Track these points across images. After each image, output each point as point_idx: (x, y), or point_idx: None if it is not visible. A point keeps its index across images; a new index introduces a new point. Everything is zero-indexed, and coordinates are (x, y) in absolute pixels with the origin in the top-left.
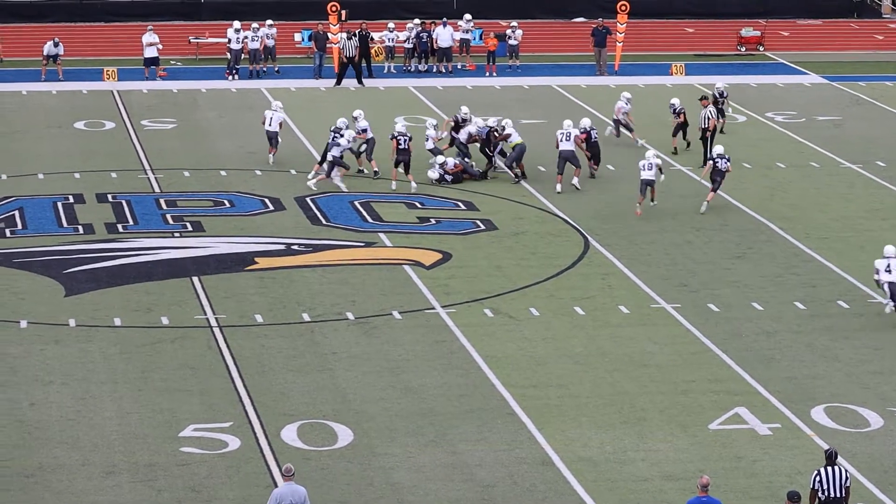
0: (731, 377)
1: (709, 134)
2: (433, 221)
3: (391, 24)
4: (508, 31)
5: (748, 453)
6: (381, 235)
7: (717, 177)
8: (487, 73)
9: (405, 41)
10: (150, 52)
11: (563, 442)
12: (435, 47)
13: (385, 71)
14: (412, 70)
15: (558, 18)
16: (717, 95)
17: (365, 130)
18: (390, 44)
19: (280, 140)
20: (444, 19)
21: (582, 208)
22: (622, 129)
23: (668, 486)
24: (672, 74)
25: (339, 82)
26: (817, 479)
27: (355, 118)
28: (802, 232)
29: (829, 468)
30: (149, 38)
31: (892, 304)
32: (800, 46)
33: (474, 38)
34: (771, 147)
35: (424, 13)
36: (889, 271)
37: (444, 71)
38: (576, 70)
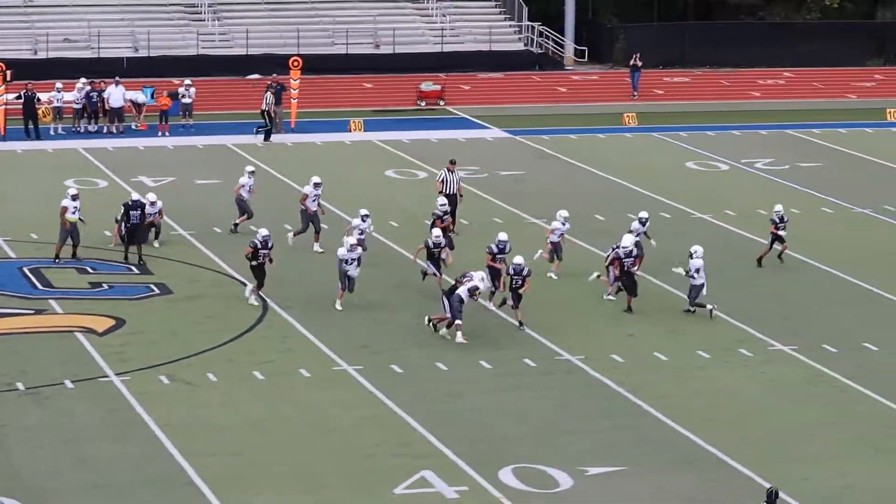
0: (417, 440)
1: None
2: (105, 287)
3: (59, 84)
4: (182, 90)
5: None
6: (52, 302)
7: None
8: (160, 133)
9: (73, 101)
10: None
11: None
12: (106, 107)
13: (52, 132)
14: (81, 131)
15: (232, 76)
16: (778, 220)
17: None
18: (58, 104)
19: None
20: (117, 78)
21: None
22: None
23: None
24: (351, 131)
25: (266, 137)
26: None
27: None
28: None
29: None
30: None
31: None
32: (481, 100)
33: (147, 98)
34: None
35: (93, 72)
36: (698, 272)
37: (115, 132)
38: (252, 128)
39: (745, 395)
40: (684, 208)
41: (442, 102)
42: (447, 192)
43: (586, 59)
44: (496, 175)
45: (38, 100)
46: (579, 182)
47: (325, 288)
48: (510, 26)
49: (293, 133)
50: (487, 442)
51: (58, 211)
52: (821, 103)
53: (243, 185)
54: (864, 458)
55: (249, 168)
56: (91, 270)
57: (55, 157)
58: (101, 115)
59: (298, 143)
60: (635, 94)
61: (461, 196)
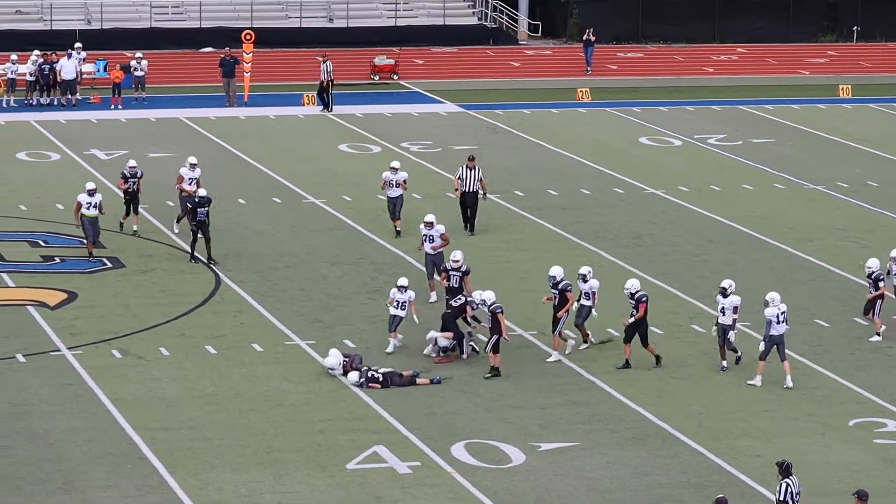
0: (369, 415)
1: None
2: (58, 260)
3: (14, 56)
4: (134, 63)
5: (388, 493)
6: (3, 276)
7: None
8: (113, 106)
9: (27, 73)
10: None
11: (197, 486)
12: (59, 80)
13: (5, 105)
14: (34, 104)
15: (185, 48)
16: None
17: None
18: (12, 76)
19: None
20: (69, 50)
21: (213, 244)
22: None
23: None
24: (304, 105)
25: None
26: (788, 490)
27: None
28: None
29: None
30: None
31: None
32: (435, 75)
33: (99, 70)
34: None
35: (46, 45)
36: (780, 322)
37: (65, 104)
38: (204, 101)
39: (695, 371)
40: (637, 183)
41: (395, 76)
42: (466, 189)
43: (540, 34)
44: (450, 150)
45: None
46: (532, 157)
47: (278, 262)
48: (464, 1)
49: (246, 107)
50: (439, 417)
51: (9, 184)
52: (774, 79)
53: (388, 181)
54: (814, 435)
55: (394, 163)
56: (43, 244)
57: (7, 130)
58: (53, 87)
59: (251, 116)
60: (589, 69)
61: (484, 193)
